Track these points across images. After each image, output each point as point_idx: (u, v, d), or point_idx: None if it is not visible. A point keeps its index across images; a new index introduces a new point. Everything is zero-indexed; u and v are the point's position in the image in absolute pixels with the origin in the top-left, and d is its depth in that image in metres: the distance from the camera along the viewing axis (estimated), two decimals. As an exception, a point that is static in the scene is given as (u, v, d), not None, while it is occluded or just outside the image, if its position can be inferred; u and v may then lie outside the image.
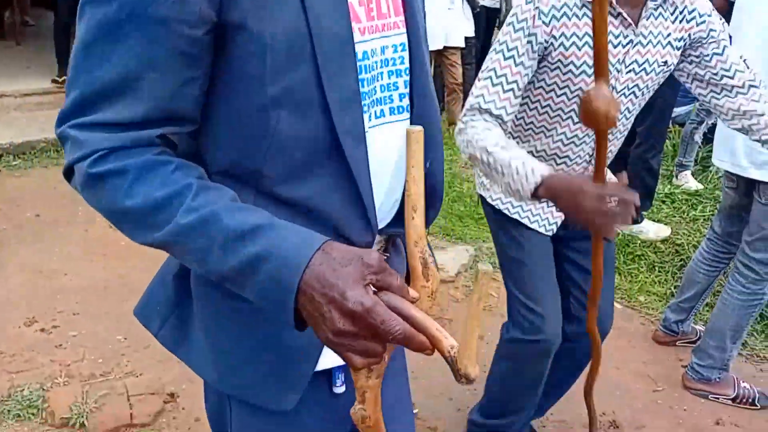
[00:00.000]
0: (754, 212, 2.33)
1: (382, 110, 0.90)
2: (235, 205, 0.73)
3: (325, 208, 0.84)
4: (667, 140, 4.57)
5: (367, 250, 0.68)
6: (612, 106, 1.09)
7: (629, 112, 1.59)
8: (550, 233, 1.74)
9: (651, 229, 3.65)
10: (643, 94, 1.58)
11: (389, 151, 0.91)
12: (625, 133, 1.66)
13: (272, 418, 0.92)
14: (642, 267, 3.43)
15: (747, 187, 2.38)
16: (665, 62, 1.54)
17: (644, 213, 3.81)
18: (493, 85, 1.45)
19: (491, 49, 1.52)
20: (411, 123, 0.94)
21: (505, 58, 1.45)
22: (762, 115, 1.54)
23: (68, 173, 0.78)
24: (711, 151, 2.74)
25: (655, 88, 1.60)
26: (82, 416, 2.08)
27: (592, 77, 1.34)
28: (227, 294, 0.87)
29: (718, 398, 2.51)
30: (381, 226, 0.94)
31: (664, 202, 4.06)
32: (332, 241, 0.69)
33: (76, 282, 2.92)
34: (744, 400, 2.49)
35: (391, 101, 0.90)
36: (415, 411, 2.29)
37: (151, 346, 2.52)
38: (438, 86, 5.75)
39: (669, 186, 4.22)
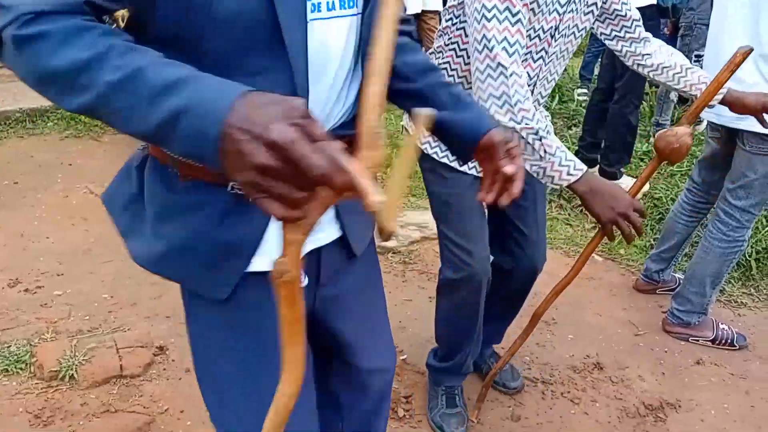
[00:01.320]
0: (736, 160, 2.38)
1: (333, 2, 0.90)
2: (161, 60, 0.72)
3: None
4: (644, 101, 4.62)
5: (292, 97, 0.65)
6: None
7: (568, 52, 1.71)
8: (479, 174, 1.79)
9: (629, 185, 3.69)
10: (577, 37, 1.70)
11: (335, 49, 0.92)
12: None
13: (214, 307, 1.00)
14: (622, 221, 3.48)
15: (729, 135, 2.43)
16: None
17: (623, 169, 3.87)
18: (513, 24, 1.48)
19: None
20: (362, 19, 0.95)
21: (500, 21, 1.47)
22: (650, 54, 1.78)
23: None
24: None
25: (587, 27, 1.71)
26: (72, 369, 2.08)
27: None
28: (169, 184, 0.95)
29: (698, 340, 2.58)
30: (327, 126, 0.95)
31: (642, 159, 4.11)
32: (255, 90, 0.67)
33: (58, 245, 2.89)
34: (723, 341, 2.57)
35: None
36: (403, 357, 2.33)
37: (138, 303, 2.51)
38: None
39: (646, 145, 4.28)
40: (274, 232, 0.97)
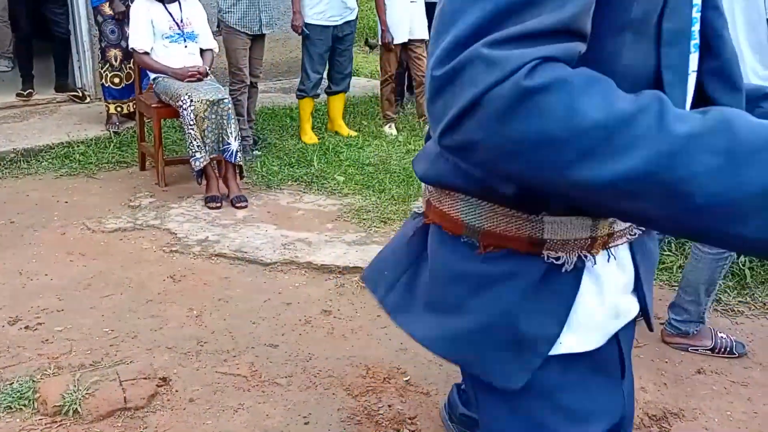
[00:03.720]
0: None
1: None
2: (736, 112, 0.59)
3: None
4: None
5: None
6: None
7: None
8: None
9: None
10: None
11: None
12: None
13: (506, 396, 0.85)
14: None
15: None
16: None
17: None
18: None
19: None
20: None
21: None
22: None
23: (470, 108, 0.61)
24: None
25: None
26: (75, 403, 2.07)
27: None
28: (464, 256, 0.83)
29: (697, 350, 2.60)
30: None
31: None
32: None
33: (57, 281, 2.90)
34: (722, 350, 2.59)
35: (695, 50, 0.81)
36: (406, 378, 2.33)
37: (139, 335, 2.51)
38: (406, 80, 5.83)
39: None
40: (585, 304, 0.85)
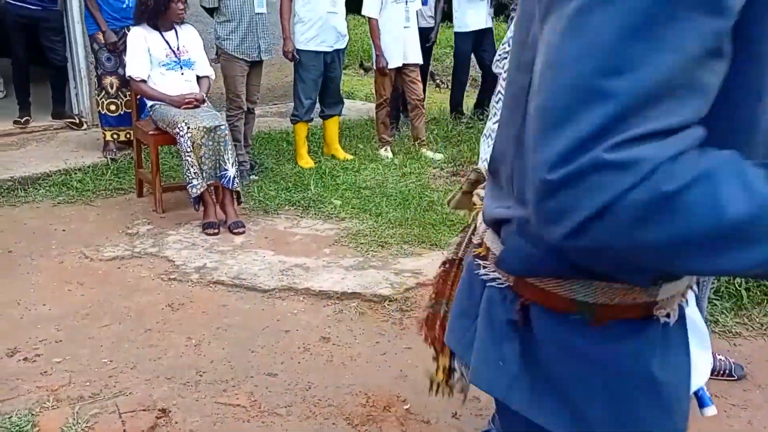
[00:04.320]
0: None
1: None
2: None
3: None
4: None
5: None
6: None
7: None
8: None
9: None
10: None
11: None
12: None
13: None
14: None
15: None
16: None
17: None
18: None
19: None
20: None
21: None
22: None
23: (600, 214, 0.58)
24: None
25: None
26: (75, 436, 2.06)
27: None
28: (580, 333, 0.79)
29: (696, 372, 2.60)
30: None
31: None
32: None
33: (55, 311, 2.89)
34: (721, 372, 2.59)
35: None
36: (406, 406, 2.33)
37: (138, 366, 2.50)
38: (400, 104, 5.88)
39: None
40: (693, 348, 0.85)
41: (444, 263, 1.10)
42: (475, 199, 1.09)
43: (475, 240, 0.95)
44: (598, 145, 0.57)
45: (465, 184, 1.11)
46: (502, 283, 0.86)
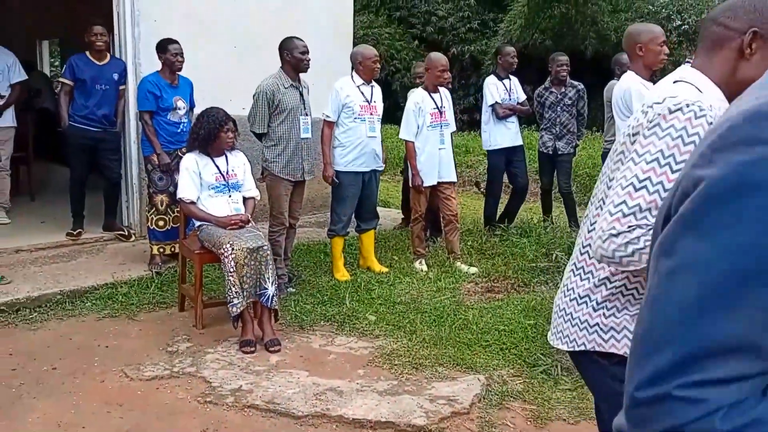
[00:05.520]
0: None
1: None
2: None
3: None
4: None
5: None
6: None
7: None
8: None
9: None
10: None
11: None
12: None
13: None
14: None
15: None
16: None
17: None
18: (650, 193, 1.47)
19: (640, 159, 1.50)
20: None
21: (661, 166, 1.46)
22: None
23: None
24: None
25: None
26: None
27: None
28: None
29: None
30: None
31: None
32: None
33: (94, 435, 2.95)
34: None
35: None
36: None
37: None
38: (435, 218, 6.01)
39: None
40: None
41: None
42: None
43: None
44: (678, 377, 0.71)
45: None
46: None
